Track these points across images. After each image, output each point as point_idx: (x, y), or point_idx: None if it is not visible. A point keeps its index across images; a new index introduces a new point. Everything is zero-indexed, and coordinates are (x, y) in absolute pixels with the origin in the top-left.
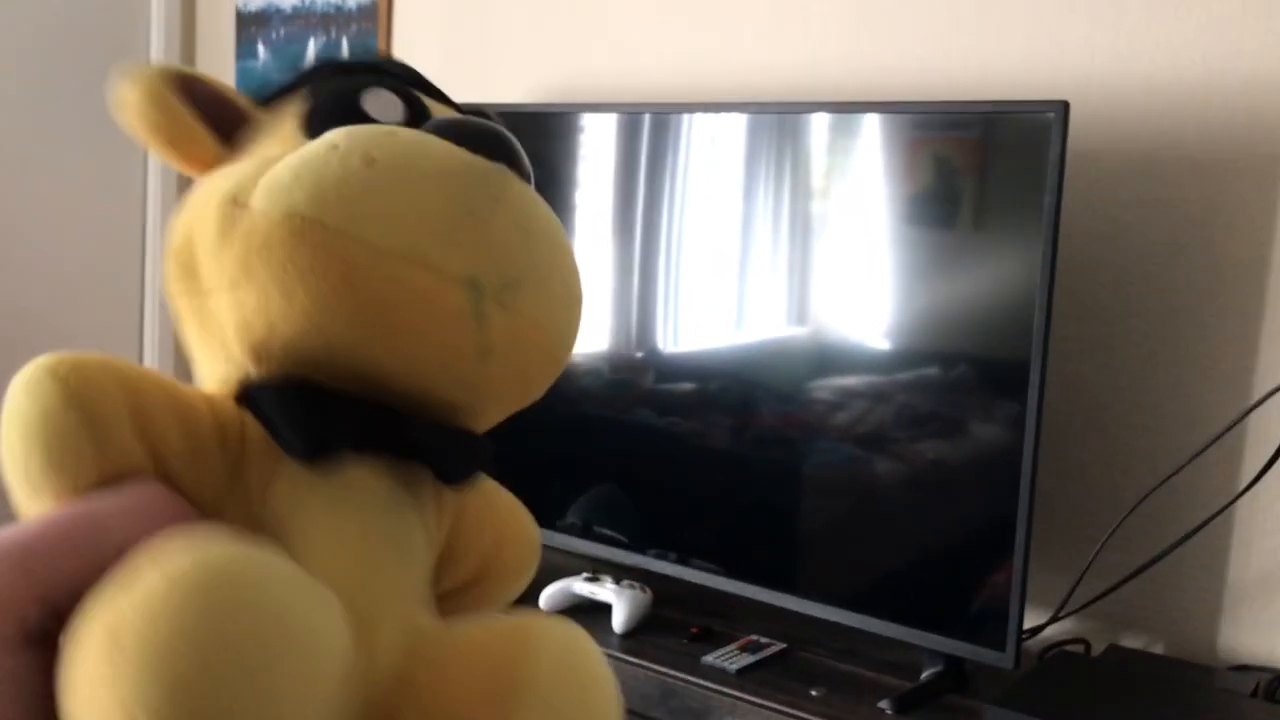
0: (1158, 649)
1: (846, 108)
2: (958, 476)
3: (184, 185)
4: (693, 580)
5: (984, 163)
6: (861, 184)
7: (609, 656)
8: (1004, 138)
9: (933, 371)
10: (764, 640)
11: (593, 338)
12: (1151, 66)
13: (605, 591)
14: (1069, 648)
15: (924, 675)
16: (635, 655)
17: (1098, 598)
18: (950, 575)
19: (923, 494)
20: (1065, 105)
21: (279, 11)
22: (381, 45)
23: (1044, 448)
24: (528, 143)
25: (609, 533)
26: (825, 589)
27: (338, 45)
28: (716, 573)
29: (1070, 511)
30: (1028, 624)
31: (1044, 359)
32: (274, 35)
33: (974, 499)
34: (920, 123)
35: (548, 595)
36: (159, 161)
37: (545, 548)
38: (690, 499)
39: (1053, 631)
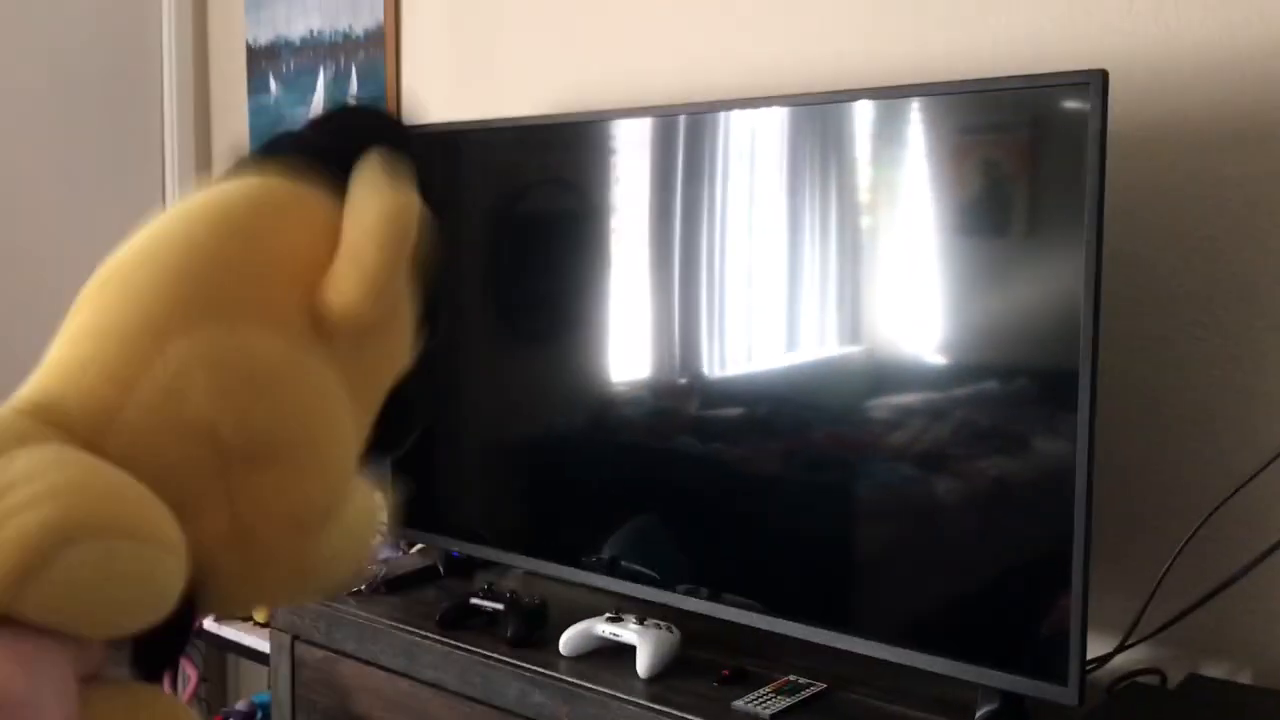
0: (1244, 678)
1: (877, 93)
2: (1012, 495)
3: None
4: (726, 617)
5: (1026, 153)
6: (906, 190)
7: (630, 704)
8: (1042, 118)
9: (986, 385)
10: (802, 681)
11: (633, 364)
12: (1201, 32)
13: (629, 632)
14: (1142, 679)
15: (979, 715)
16: (660, 702)
17: (1172, 621)
18: (1006, 603)
19: (975, 516)
20: (1103, 75)
21: (288, 44)
22: (390, 70)
23: (1102, 458)
24: (549, 156)
25: (638, 568)
26: (869, 623)
27: (347, 75)
28: (752, 609)
29: (1136, 527)
30: (1093, 653)
31: (1094, 361)
32: (284, 68)
33: (1030, 518)
34: (962, 122)
35: (567, 639)
36: (177, 192)
37: (569, 585)
38: (730, 531)
39: (1122, 661)
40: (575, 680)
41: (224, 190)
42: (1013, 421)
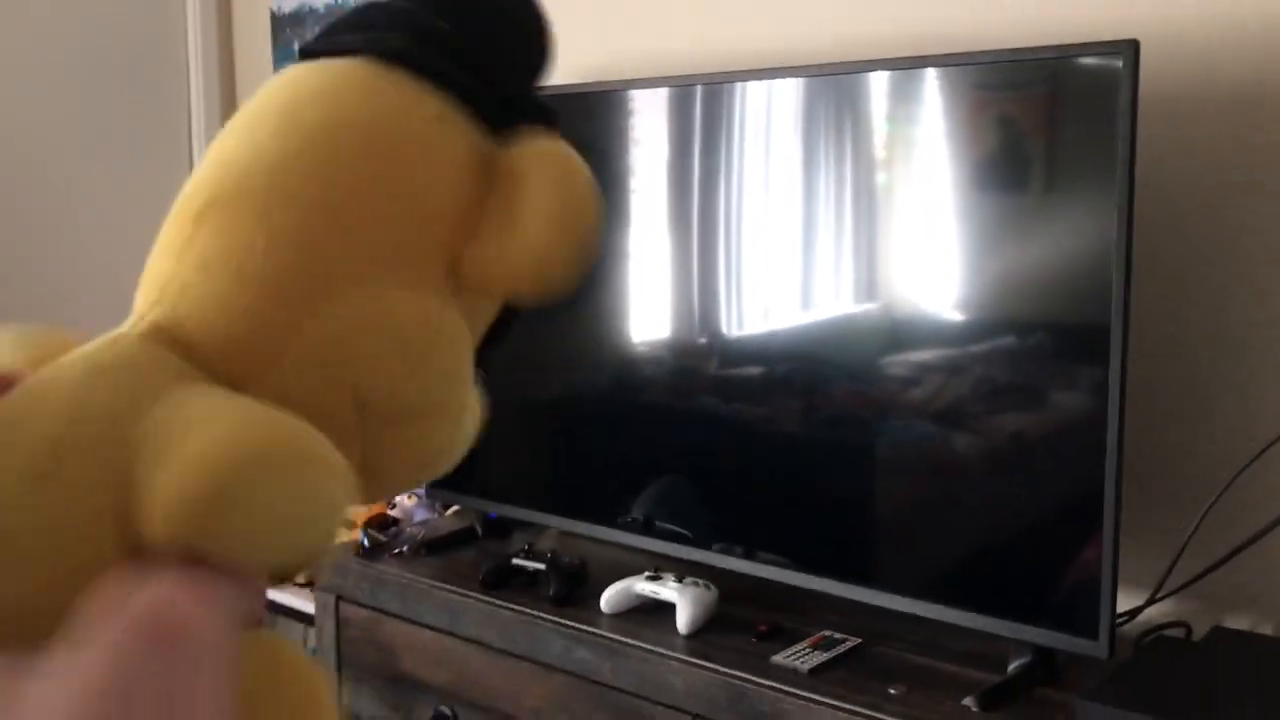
0: (1266, 629)
1: (903, 63)
2: (1040, 451)
3: None
4: (761, 575)
5: (1052, 116)
6: (925, 149)
7: (673, 659)
8: (1071, 85)
9: (1009, 341)
10: (837, 636)
11: (653, 325)
12: None
13: (668, 590)
14: (1168, 632)
15: (1011, 668)
16: (701, 657)
17: (1198, 577)
18: (1036, 559)
19: (1003, 472)
20: (1135, 45)
21: (313, 11)
22: None
23: (1130, 415)
24: (572, 124)
25: (672, 528)
26: (901, 579)
27: None
28: (785, 566)
29: (1163, 483)
30: (1123, 607)
31: (1125, 320)
32: (309, 35)
33: (1059, 474)
34: (983, 81)
35: (608, 597)
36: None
37: (605, 544)
38: (757, 489)
39: (1150, 615)
40: (618, 636)
41: (343, 93)
42: (1044, 377)
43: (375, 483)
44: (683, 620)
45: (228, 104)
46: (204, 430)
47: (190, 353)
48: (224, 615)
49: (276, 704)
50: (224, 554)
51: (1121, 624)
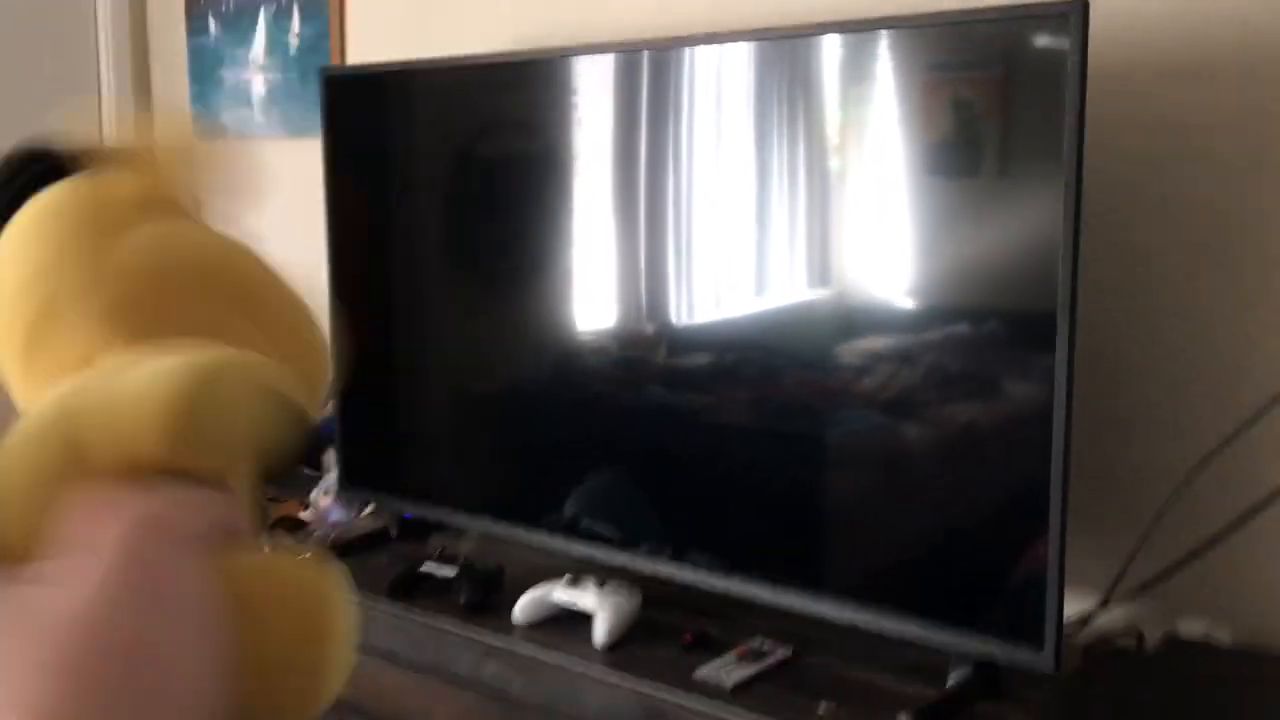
0: (1223, 635)
1: (856, 26)
2: (989, 444)
3: None
4: (689, 581)
5: (1002, 95)
6: (877, 131)
7: (588, 678)
8: (1022, 57)
9: (958, 329)
10: (767, 647)
11: (598, 312)
12: None
13: (587, 598)
14: (1120, 641)
15: (950, 681)
16: (620, 668)
17: (1152, 581)
18: (980, 562)
19: (950, 466)
20: (1084, 5)
21: None
22: (335, 6)
23: (1083, 409)
24: (508, 96)
25: (598, 529)
26: (836, 584)
27: (289, 13)
28: (716, 569)
29: (1116, 480)
30: (1073, 612)
31: (1073, 307)
32: (225, 7)
33: (1005, 470)
34: (935, 60)
35: (522, 605)
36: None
37: (526, 548)
38: (694, 486)
39: (1100, 624)
40: (529, 650)
41: None
42: (993, 366)
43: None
44: (600, 631)
45: (140, 82)
46: (161, 359)
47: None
48: (205, 522)
49: (274, 608)
50: (199, 455)
51: (1070, 634)
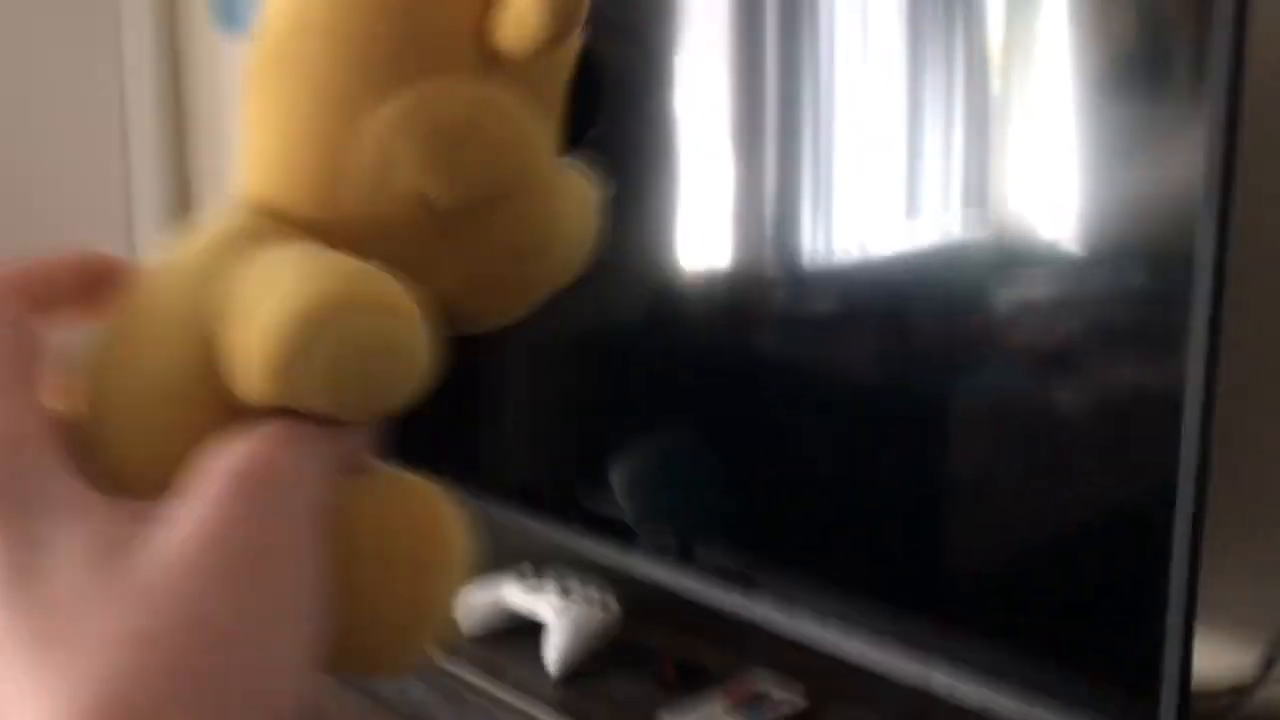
0: None
1: None
2: (1105, 441)
3: (165, 77)
4: (677, 588)
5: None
6: (1047, 38)
7: (529, 713)
8: None
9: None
10: (775, 695)
11: (706, 250)
12: None
13: (544, 606)
14: None
15: None
16: (565, 713)
17: None
18: (1072, 601)
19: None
20: None
21: None
22: None
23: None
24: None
25: (602, 513)
26: (868, 617)
27: None
28: (726, 587)
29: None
30: (1204, 673)
31: (1221, 253)
32: None
33: (1122, 474)
34: None
35: (468, 609)
36: (134, 49)
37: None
38: (744, 475)
39: (1266, 697)
40: (465, 673)
41: None
42: (1118, 334)
43: (487, 293)
44: (553, 656)
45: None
46: (275, 290)
47: (277, 213)
48: (318, 461)
49: (396, 537)
50: (308, 406)
51: (1208, 707)
